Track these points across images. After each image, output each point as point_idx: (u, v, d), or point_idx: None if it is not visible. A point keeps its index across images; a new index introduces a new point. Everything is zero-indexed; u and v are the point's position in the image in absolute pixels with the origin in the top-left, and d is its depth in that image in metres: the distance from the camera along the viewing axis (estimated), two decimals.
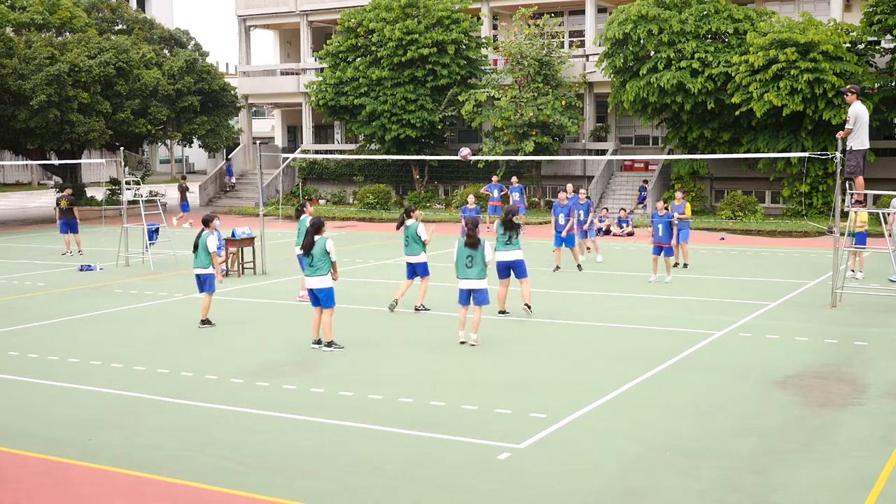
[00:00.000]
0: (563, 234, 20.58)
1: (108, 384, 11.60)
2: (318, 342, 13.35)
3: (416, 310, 16.11)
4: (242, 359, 12.86)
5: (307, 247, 13.04)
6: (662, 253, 19.23)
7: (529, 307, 15.39)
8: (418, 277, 16.16)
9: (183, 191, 35.78)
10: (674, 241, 19.61)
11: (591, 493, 7.86)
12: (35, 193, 56.16)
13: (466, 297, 13.45)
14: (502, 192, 30.51)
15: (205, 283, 15.11)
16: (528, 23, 35.43)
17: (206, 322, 15.13)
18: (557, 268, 20.87)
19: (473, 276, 13.30)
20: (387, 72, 36.48)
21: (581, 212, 21.76)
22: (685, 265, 21.29)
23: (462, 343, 13.39)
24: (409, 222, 16.02)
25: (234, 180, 45.34)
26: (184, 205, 35.31)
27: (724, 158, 31.83)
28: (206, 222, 15.38)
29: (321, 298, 13.19)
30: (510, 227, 14.96)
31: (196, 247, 15.03)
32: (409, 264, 16.10)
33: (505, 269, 15.28)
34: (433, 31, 35.93)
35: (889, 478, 8.11)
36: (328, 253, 13.05)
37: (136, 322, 15.41)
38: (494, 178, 30.87)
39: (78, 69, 35.43)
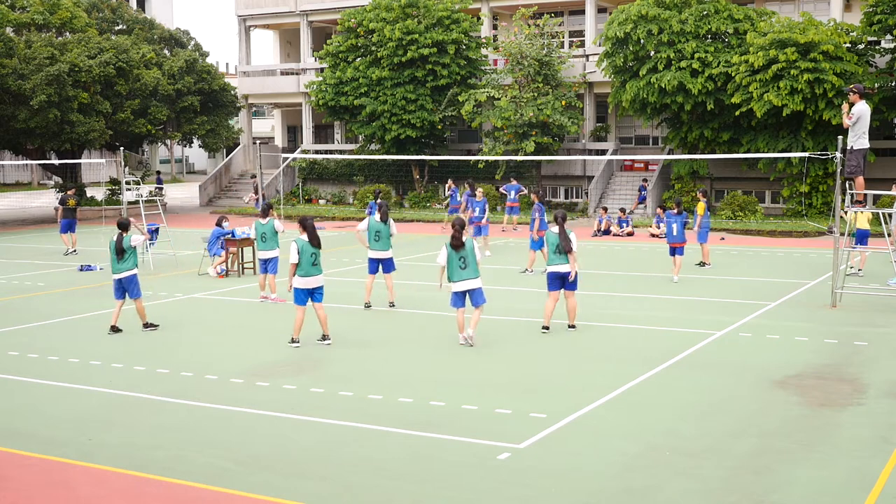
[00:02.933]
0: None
1: (108, 384, 11.60)
2: (324, 337, 13.62)
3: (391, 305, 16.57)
4: (242, 359, 12.86)
5: (319, 243, 13.48)
6: (676, 252, 19.22)
7: (574, 327, 14.41)
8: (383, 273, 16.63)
9: (256, 189, 34.40)
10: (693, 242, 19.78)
11: (591, 493, 7.86)
12: (35, 193, 56.13)
13: (461, 299, 13.25)
14: (520, 192, 30.33)
15: (130, 288, 14.51)
16: (528, 23, 35.43)
17: (148, 325, 14.80)
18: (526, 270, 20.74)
19: (469, 276, 13.15)
20: (387, 72, 36.48)
21: (477, 209, 23.25)
22: (703, 264, 21.23)
23: (462, 345, 13.32)
24: (378, 217, 16.50)
25: (163, 195, 43.68)
26: (257, 203, 34.00)
27: (724, 158, 31.84)
28: (124, 226, 14.67)
29: (320, 294, 13.57)
30: (563, 236, 13.93)
31: (119, 251, 14.36)
32: (379, 260, 16.49)
33: (557, 280, 14.15)
34: (433, 31, 35.93)
35: (889, 478, 8.11)
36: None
37: (136, 322, 15.38)
38: (513, 181, 30.82)
39: (78, 69, 35.43)
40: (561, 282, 14.16)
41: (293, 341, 13.49)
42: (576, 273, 14.05)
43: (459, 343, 13.34)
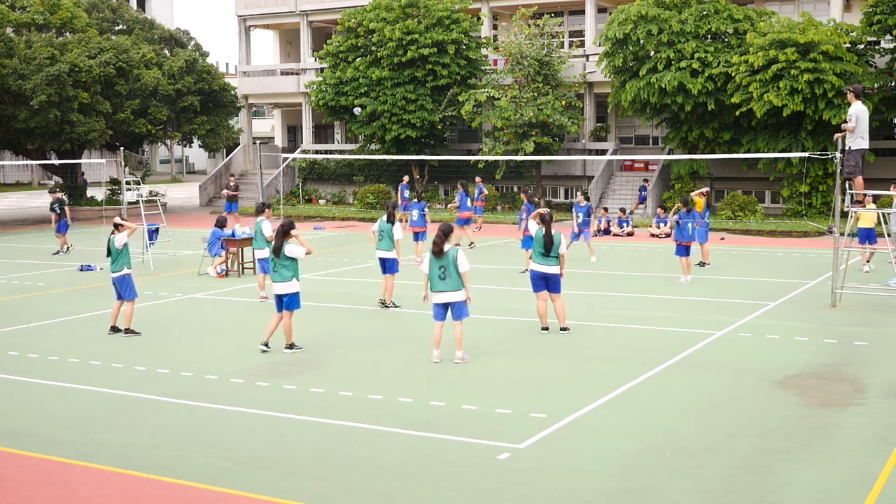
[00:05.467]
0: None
1: (109, 384, 11.60)
2: (268, 345, 13.20)
3: (386, 306, 16.54)
4: (242, 359, 12.86)
5: (276, 250, 13.00)
6: (688, 252, 19.21)
7: (567, 329, 14.15)
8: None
9: (231, 188, 33.82)
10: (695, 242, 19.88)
11: (591, 493, 7.86)
12: (35, 193, 56.11)
13: (443, 311, 12.38)
14: (482, 194, 29.92)
15: (123, 289, 14.37)
16: (528, 23, 35.43)
17: (129, 331, 14.47)
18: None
19: (449, 287, 12.20)
20: (387, 72, 36.48)
21: (580, 214, 22.82)
22: (703, 264, 21.21)
23: (436, 363, 12.41)
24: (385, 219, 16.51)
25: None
26: (232, 206, 33.44)
27: (724, 158, 31.84)
28: (117, 226, 14.54)
29: (287, 303, 13.08)
30: (548, 238, 13.75)
31: (109, 251, 14.40)
32: (383, 259, 16.52)
33: (540, 281, 14.01)
34: (433, 31, 35.93)
35: (889, 478, 8.11)
36: (290, 257, 13.00)
37: (136, 322, 15.37)
38: (478, 179, 30.64)
39: (78, 69, 35.42)
40: (545, 282, 13.97)
41: (263, 344, 13.24)
42: (558, 275, 13.86)
43: (433, 361, 12.47)
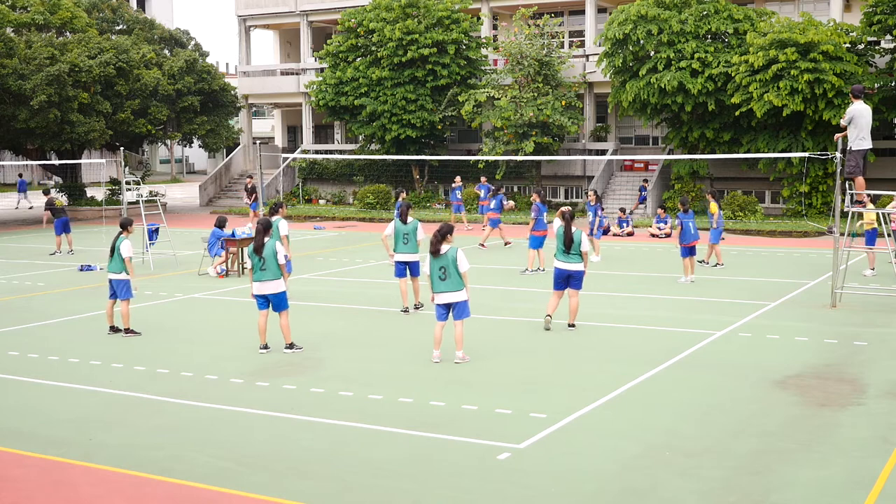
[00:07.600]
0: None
1: (109, 384, 11.60)
2: (267, 346, 13.20)
3: (416, 307, 16.26)
4: (242, 359, 12.86)
5: (258, 249, 12.86)
6: (692, 253, 19.21)
7: (573, 327, 14.42)
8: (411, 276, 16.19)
9: (249, 189, 33.98)
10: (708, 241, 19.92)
11: (591, 494, 7.87)
12: (35, 193, 56.04)
13: (444, 312, 12.38)
14: (490, 193, 29.90)
15: (119, 290, 14.41)
16: (528, 23, 35.44)
17: (129, 331, 14.50)
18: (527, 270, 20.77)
19: (450, 288, 12.21)
20: (387, 72, 36.49)
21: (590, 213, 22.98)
22: (703, 262, 21.20)
23: (436, 363, 12.38)
24: (409, 220, 16.01)
25: (26, 202, 45.33)
26: (254, 205, 33.65)
27: (724, 158, 31.85)
28: (124, 226, 14.57)
29: (275, 303, 13.03)
30: (567, 235, 13.93)
31: (112, 251, 14.42)
32: (407, 263, 16.02)
33: (562, 280, 14.18)
34: (433, 31, 35.94)
35: (889, 478, 8.12)
36: (276, 255, 12.92)
37: (136, 322, 15.37)
38: (483, 179, 30.60)
39: (78, 69, 35.40)
40: (565, 281, 14.17)
41: (262, 347, 13.24)
42: (581, 271, 14.05)
43: (433, 361, 12.46)
